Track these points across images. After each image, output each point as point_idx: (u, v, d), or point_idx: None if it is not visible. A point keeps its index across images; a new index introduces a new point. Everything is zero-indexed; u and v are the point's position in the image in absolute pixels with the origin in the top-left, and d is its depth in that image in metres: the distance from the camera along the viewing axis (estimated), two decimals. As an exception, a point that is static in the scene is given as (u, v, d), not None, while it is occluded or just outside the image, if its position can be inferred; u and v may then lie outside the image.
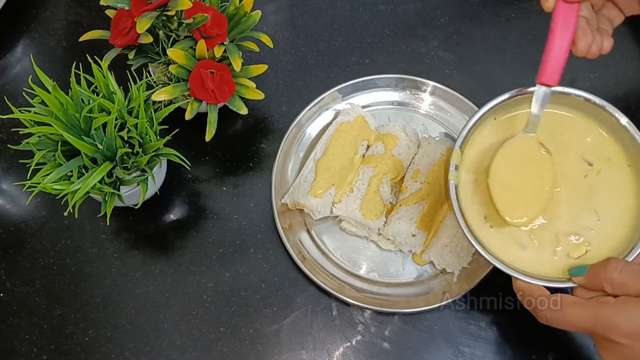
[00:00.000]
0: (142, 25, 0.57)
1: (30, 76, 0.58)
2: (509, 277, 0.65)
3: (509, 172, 0.57)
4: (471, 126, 0.58)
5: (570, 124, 0.60)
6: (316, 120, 0.73)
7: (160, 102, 0.60)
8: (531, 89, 0.56)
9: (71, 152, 0.56)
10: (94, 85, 0.58)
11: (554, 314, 0.51)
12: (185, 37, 0.62)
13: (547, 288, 0.54)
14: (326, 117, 0.73)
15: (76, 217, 0.57)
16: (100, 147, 0.56)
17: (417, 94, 0.74)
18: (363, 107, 0.73)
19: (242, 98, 0.64)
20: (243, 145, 0.72)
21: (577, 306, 0.51)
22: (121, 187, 0.59)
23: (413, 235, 0.64)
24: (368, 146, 0.70)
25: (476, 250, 0.55)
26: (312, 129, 0.72)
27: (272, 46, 0.65)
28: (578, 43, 0.54)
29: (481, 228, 0.57)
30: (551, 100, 0.56)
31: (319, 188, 0.65)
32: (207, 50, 0.61)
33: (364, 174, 0.67)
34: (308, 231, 0.67)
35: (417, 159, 0.69)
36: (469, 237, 0.55)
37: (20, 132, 0.57)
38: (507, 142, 0.57)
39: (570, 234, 0.56)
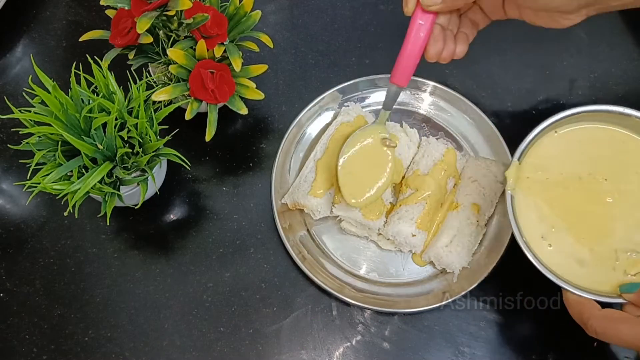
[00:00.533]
0: (142, 25, 0.57)
1: (30, 76, 0.58)
2: (508, 277, 0.65)
3: (354, 160, 0.63)
4: (531, 139, 0.59)
5: (633, 144, 0.61)
6: (316, 120, 0.72)
7: (160, 102, 0.60)
8: (589, 107, 0.60)
9: (71, 152, 0.56)
10: (94, 85, 0.58)
11: (604, 328, 0.51)
12: (185, 37, 0.62)
13: (597, 302, 0.54)
14: (326, 117, 0.73)
15: (76, 217, 0.57)
16: (100, 147, 0.56)
17: (417, 94, 0.74)
18: (363, 107, 0.73)
19: (242, 98, 0.64)
20: (243, 145, 0.72)
21: (627, 323, 0.51)
22: (121, 187, 0.59)
23: (413, 235, 0.64)
24: None
25: (530, 261, 0.56)
26: (312, 129, 0.72)
27: (272, 46, 0.65)
28: (429, 49, 0.57)
29: (538, 245, 0.58)
30: (613, 120, 0.60)
31: (319, 188, 0.66)
32: (207, 50, 0.61)
33: None
34: (308, 231, 0.67)
35: (417, 158, 0.69)
36: (523, 248, 0.56)
37: (20, 132, 0.57)
38: (356, 132, 0.63)
39: (628, 251, 0.57)
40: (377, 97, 0.74)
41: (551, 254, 0.57)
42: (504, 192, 0.60)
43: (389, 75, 0.72)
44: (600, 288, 0.55)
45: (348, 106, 0.72)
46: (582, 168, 0.60)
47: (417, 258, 0.66)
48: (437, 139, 0.70)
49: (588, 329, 0.53)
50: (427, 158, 0.68)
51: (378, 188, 0.63)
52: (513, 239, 0.64)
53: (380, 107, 0.72)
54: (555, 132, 0.61)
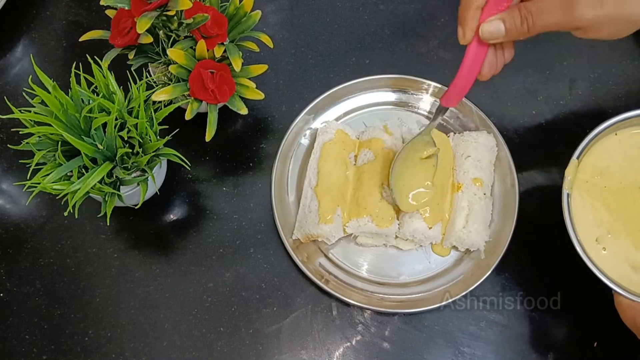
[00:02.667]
0: (142, 25, 0.57)
1: (30, 76, 0.58)
2: (508, 277, 0.65)
3: (403, 171, 0.63)
4: (591, 138, 0.59)
5: None
6: (316, 120, 0.72)
7: (160, 102, 0.60)
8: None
9: (71, 152, 0.56)
10: (94, 85, 0.58)
11: None
12: (185, 37, 0.62)
13: None
14: (326, 117, 0.73)
15: (76, 217, 0.57)
16: (100, 147, 0.56)
17: (417, 94, 0.74)
18: (363, 106, 0.73)
19: (242, 98, 0.64)
20: (243, 145, 0.72)
21: None
22: (121, 187, 0.59)
23: (430, 228, 0.64)
24: (355, 156, 0.69)
25: (583, 261, 0.56)
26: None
27: (272, 46, 0.65)
28: (484, 72, 0.56)
29: (591, 247, 0.58)
30: None
31: (327, 214, 0.64)
32: (207, 50, 0.61)
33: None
34: (326, 256, 0.67)
35: None
36: (577, 248, 0.56)
37: (20, 132, 0.57)
38: (405, 146, 0.63)
39: None
40: (377, 97, 0.74)
41: (605, 257, 0.57)
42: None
43: (389, 76, 0.73)
44: None
45: (325, 124, 0.70)
46: None
47: (438, 248, 0.66)
48: (420, 129, 0.70)
49: None
50: None
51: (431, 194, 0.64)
52: (513, 239, 0.64)
53: (381, 107, 0.72)
54: (616, 134, 0.61)
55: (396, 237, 0.66)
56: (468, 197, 0.65)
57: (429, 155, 0.64)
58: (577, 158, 0.59)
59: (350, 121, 0.73)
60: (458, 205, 0.65)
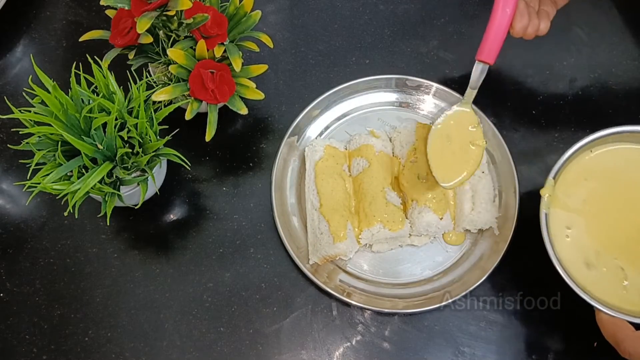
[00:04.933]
0: (142, 25, 0.57)
1: (30, 76, 0.58)
2: (509, 277, 0.65)
3: (441, 143, 0.63)
4: (567, 157, 0.60)
5: None
6: (316, 120, 0.72)
7: (160, 102, 0.60)
8: (627, 127, 0.60)
9: (71, 152, 0.56)
10: (94, 85, 0.58)
11: (638, 349, 0.51)
12: (185, 37, 0.62)
13: (631, 324, 0.54)
14: (327, 118, 0.73)
15: (76, 217, 0.57)
16: (100, 147, 0.56)
17: (418, 95, 0.74)
18: (362, 107, 0.73)
19: (242, 98, 0.64)
20: (243, 145, 0.72)
21: None
22: (121, 187, 0.59)
23: (441, 219, 0.64)
24: (348, 167, 0.69)
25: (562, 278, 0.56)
26: (312, 130, 0.72)
27: (272, 46, 0.65)
28: (515, 25, 0.57)
29: (575, 267, 0.58)
30: None
31: (339, 231, 0.64)
32: (207, 50, 0.61)
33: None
34: (345, 271, 0.66)
35: (397, 151, 0.69)
36: (558, 267, 0.56)
37: (20, 132, 0.57)
38: (445, 114, 0.63)
39: None
40: (377, 97, 0.74)
41: (588, 274, 0.57)
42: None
43: (389, 76, 0.73)
44: (635, 309, 0.55)
45: (311, 144, 0.70)
46: (621, 192, 0.60)
47: (452, 237, 0.67)
48: (403, 126, 0.71)
49: (621, 350, 0.52)
50: (406, 146, 0.68)
51: (467, 173, 0.63)
52: (513, 239, 0.64)
53: (381, 108, 0.72)
54: (591, 151, 0.61)
55: (409, 235, 0.66)
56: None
57: (476, 144, 0.64)
58: (553, 177, 0.59)
59: (333, 133, 0.72)
60: (461, 190, 0.66)
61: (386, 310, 0.63)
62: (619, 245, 0.58)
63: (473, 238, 0.67)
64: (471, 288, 0.63)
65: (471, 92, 0.64)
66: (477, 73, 0.62)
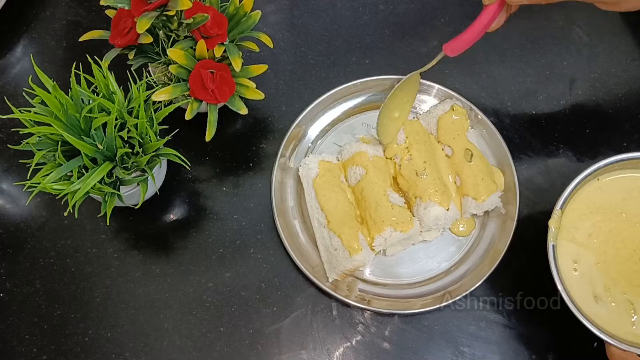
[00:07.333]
0: (142, 25, 0.57)
1: (30, 76, 0.58)
2: (509, 277, 0.65)
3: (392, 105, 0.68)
4: (573, 187, 0.59)
5: None
6: (316, 120, 0.72)
7: (160, 102, 0.60)
8: (633, 154, 0.60)
9: (71, 152, 0.56)
10: (94, 85, 0.58)
11: None
12: (185, 37, 0.62)
13: None
14: (326, 118, 0.73)
15: (76, 217, 0.57)
16: (100, 147, 0.56)
17: (418, 95, 0.74)
18: (363, 107, 0.73)
19: (242, 98, 0.64)
20: (243, 145, 0.72)
21: None
22: (121, 187, 0.59)
23: (447, 210, 0.64)
24: (345, 178, 0.69)
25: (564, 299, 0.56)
26: (313, 130, 0.72)
27: (272, 46, 0.65)
28: (492, 26, 0.61)
29: (584, 300, 0.57)
30: None
31: (353, 244, 0.63)
32: (207, 50, 0.61)
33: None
34: (364, 280, 0.66)
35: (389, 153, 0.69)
36: (567, 301, 0.55)
37: (20, 132, 0.57)
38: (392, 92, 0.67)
39: None
40: (377, 98, 0.74)
41: (597, 308, 0.57)
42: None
43: (389, 76, 0.73)
44: None
45: (304, 162, 0.69)
46: (626, 224, 0.59)
47: (459, 228, 0.67)
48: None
49: None
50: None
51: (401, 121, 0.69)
52: (514, 239, 0.64)
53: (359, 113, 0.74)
54: (598, 179, 0.61)
55: (420, 232, 0.66)
56: (465, 167, 0.66)
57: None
58: (560, 208, 0.59)
59: (321, 148, 0.72)
60: (461, 179, 0.66)
61: (386, 311, 0.63)
62: (628, 280, 0.58)
63: (480, 222, 0.68)
64: (471, 289, 0.63)
65: (423, 69, 0.67)
66: (437, 59, 0.65)
